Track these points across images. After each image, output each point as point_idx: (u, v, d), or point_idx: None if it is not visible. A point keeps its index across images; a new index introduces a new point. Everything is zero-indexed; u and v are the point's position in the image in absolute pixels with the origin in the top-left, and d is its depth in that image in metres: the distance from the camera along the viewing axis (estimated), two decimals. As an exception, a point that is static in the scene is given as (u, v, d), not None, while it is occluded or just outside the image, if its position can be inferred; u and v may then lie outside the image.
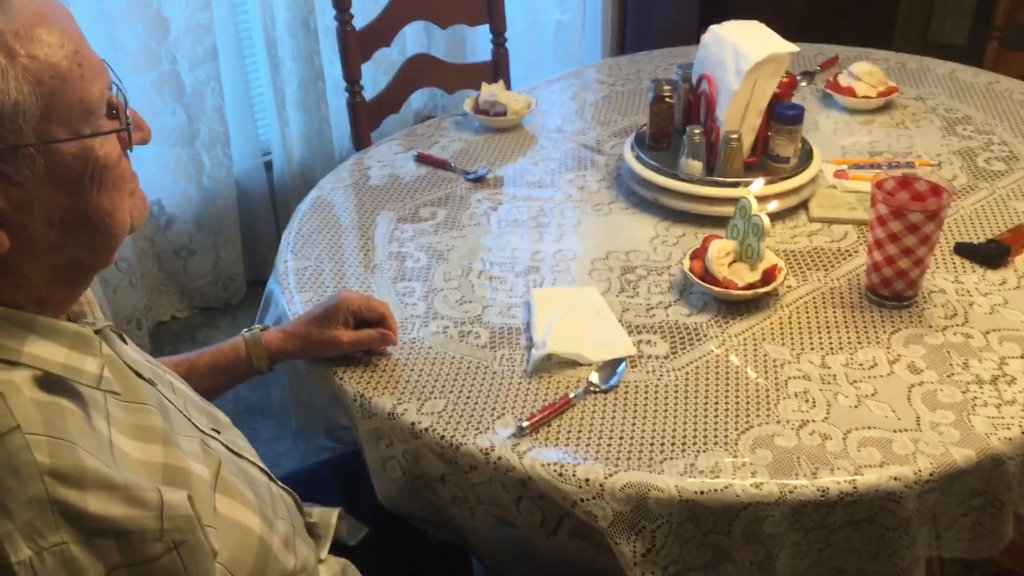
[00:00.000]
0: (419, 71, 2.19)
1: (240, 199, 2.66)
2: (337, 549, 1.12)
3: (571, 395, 1.14)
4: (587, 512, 1.01)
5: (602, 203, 1.60)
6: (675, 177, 1.53)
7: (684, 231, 1.50)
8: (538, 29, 3.16)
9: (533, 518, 1.07)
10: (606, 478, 1.02)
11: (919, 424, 1.09)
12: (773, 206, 1.50)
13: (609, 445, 1.07)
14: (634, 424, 1.10)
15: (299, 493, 1.07)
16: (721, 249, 1.31)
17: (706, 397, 1.14)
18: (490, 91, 1.87)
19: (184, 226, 2.58)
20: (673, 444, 1.07)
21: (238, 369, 1.20)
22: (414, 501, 1.16)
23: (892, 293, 1.29)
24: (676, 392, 1.15)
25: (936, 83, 2.04)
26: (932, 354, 1.21)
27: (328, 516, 1.12)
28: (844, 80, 1.93)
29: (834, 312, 1.30)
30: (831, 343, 1.23)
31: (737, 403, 1.13)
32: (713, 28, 1.60)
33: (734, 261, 1.32)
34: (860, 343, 1.23)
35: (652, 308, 1.32)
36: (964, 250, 1.42)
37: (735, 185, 1.50)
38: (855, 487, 1.01)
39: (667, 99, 1.59)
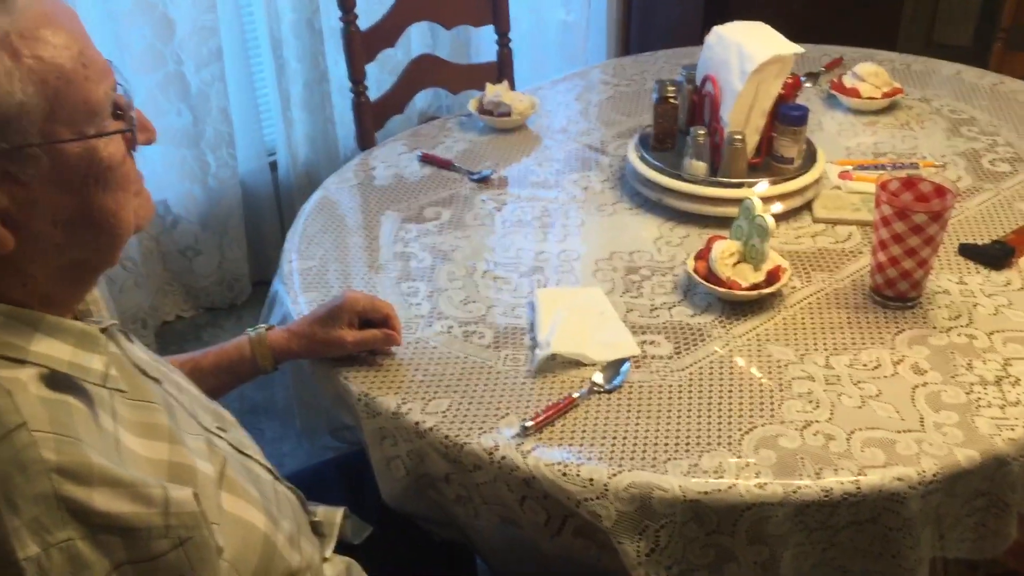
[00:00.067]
0: (423, 72, 2.19)
1: (245, 199, 2.67)
2: (342, 548, 1.12)
3: (575, 395, 1.14)
4: (591, 512, 1.01)
5: (606, 203, 1.60)
6: (679, 178, 1.53)
7: (688, 232, 1.50)
8: (542, 30, 3.16)
9: (537, 518, 1.07)
10: (610, 478, 1.02)
11: (923, 425, 1.09)
12: (777, 207, 1.50)
13: (613, 445, 1.07)
14: (638, 424, 1.10)
15: (304, 492, 1.07)
16: (725, 250, 1.31)
17: (710, 397, 1.14)
18: (494, 91, 1.87)
19: (189, 226, 2.59)
20: (677, 444, 1.07)
21: (243, 368, 1.21)
22: (418, 500, 1.17)
23: (896, 294, 1.29)
24: (680, 392, 1.16)
25: (941, 84, 2.04)
26: (936, 355, 1.20)
27: (332, 515, 1.12)
28: (848, 81, 1.93)
29: (838, 313, 1.30)
30: (835, 344, 1.23)
31: (741, 403, 1.13)
32: (717, 29, 1.60)
33: (738, 262, 1.32)
34: (864, 344, 1.23)
35: (656, 308, 1.32)
36: (968, 251, 1.41)
37: (739, 186, 1.50)
38: (859, 487, 1.01)
39: (671, 100, 1.59)
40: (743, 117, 1.52)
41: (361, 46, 2.02)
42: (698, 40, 1.72)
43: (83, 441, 0.70)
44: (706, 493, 1.00)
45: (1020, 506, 1.09)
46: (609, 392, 1.15)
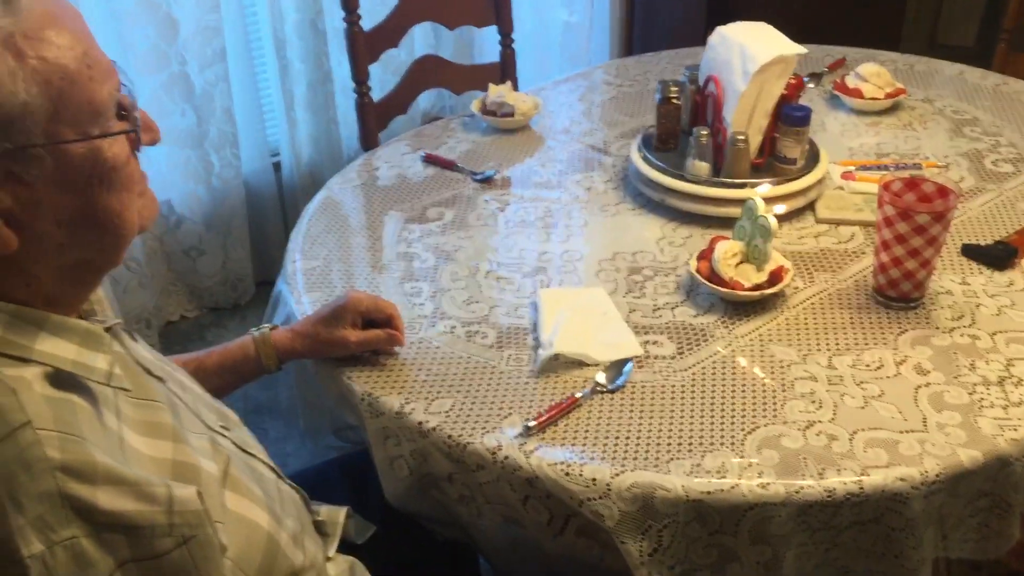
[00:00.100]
0: (427, 72, 2.19)
1: (249, 199, 2.67)
2: (345, 547, 1.12)
3: (578, 395, 1.14)
4: (594, 511, 1.02)
5: (609, 204, 1.60)
6: (682, 178, 1.53)
7: (691, 232, 1.50)
8: (546, 30, 3.16)
9: (540, 517, 1.07)
10: (613, 478, 1.02)
11: (926, 425, 1.09)
12: (780, 207, 1.50)
13: (616, 445, 1.07)
14: (640, 424, 1.10)
15: (307, 492, 1.08)
16: (728, 250, 1.31)
17: (712, 398, 1.15)
18: (497, 92, 1.87)
19: (193, 226, 2.59)
20: (680, 444, 1.07)
21: (246, 368, 1.21)
22: (421, 500, 1.17)
23: (899, 294, 1.29)
24: (683, 392, 1.16)
25: (944, 85, 2.03)
26: (939, 355, 1.20)
27: (336, 514, 1.13)
28: (851, 81, 1.93)
29: (841, 313, 1.30)
30: (838, 344, 1.23)
31: (744, 404, 1.13)
32: (720, 29, 1.60)
33: (741, 262, 1.32)
34: (867, 344, 1.23)
35: (659, 309, 1.32)
36: (971, 252, 1.41)
37: (742, 186, 1.50)
38: (861, 488, 1.01)
39: (674, 100, 1.59)
40: (746, 117, 1.52)
41: (364, 47, 2.02)
42: (701, 40, 1.72)
43: (87, 440, 0.70)
44: (709, 493, 1.00)
45: (1023, 507, 1.09)
46: (612, 392, 1.16)
